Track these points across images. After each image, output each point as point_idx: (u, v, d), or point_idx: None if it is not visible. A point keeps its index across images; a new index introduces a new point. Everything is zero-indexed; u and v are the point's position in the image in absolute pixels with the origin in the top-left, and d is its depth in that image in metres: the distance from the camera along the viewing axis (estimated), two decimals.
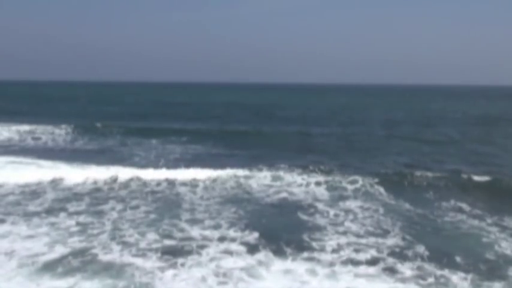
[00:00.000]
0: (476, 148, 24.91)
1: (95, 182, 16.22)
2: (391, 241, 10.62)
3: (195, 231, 11.10)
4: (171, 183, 16.12)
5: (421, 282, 8.56)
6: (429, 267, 9.20)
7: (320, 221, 12.11)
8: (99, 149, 24.51)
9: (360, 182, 15.79)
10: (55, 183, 16.04)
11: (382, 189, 14.93)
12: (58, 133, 28.51)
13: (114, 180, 16.41)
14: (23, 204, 13.37)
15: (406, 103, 75.45)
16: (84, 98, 78.69)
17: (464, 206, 13.57)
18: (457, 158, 21.84)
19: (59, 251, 9.76)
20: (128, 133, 29.03)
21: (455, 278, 8.71)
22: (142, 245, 10.21)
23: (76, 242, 10.30)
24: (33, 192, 14.74)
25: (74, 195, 14.52)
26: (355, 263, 9.35)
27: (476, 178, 16.30)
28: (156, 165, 19.59)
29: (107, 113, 45.64)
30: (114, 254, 9.61)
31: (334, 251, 10.00)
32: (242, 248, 10.04)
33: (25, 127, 30.86)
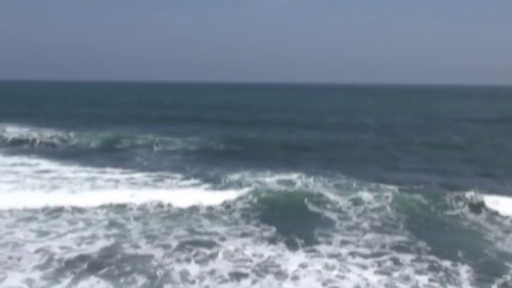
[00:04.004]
0: (477, 150, 25.25)
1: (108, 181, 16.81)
2: (397, 236, 11.36)
3: (213, 227, 11.82)
4: (178, 183, 16.64)
5: (427, 276, 9.19)
6: (435, 261, 9.87)
7: (330, 215, 12.90)
8: (97, 151, 24.74)
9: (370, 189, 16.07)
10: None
11: (387, 193, 15.01)
12: (52, 135, 28.32)
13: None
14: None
15: (407, 104, 75.39)
16: (84, 99, 78.79)
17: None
18: (459, 160, 21.97)
19: (87, 247, 10.40)
20: (126, 133, 29.03)
21: (461, 272, 9.37)
22: (164, 239, 10.91)
23: (109, 237, 11.05)
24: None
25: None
26: (365, 256, 10.10)
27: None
28: (158, 167, 19.76)
29: (106, 114, 45.87)
30: (139, 249, 10.32)
31: (343, 245, 10.76)
32: (259, 243, 10.75)
33: (25, 128, 30.98)
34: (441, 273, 9.26)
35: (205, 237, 11.10)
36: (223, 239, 11.01)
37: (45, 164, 20.05)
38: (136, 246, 10.47)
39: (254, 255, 9.98)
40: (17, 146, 25.58)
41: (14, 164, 19.71)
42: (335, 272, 9.25)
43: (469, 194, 14.33)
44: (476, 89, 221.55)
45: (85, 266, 9.38)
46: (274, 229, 11.71)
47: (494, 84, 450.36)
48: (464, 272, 9.36)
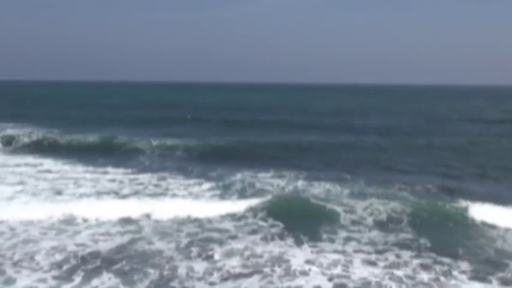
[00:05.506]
0: (480, 151, 25.70)
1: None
2: (401, 234, 12.05)
3: (223, 225, 12.47)
4: (182, 183, 17.06)
5: (430, 272, 9.73)
6: (436, 258, 10.43)
7: (335, 213, 13.36)
8: (98, 151, 24.73)
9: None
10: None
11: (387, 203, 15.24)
12: (53, 135, 28.58)
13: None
14: None
15: (409, 104, 75.44)
16: (84, 99, 79.05)
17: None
18: (461, 162, 22.40)
19: (101, 244, 10.93)
20: (126, 133, 29.33)
21: (461, 268, 9.94)
22: (176, 236, 11.52)
23: (122, 234, 11.68)
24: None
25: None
26: (369, 252, 10.71)
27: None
28: (160, 167, 20.09)
29: (106, 114, 46.28)
30: (151, 246, 10.86)
31: (348, 241, 11.43)
32: (267, 240, 11.36)
33: (26, 129, 31.31)
34: (443, 270, 9.78)
35: (216, 235, 11.69)
36: (232, 236, 11.60)
37: (47, 164, 20.43)
38: (149, 243, 11.03)
39: (263, 251, 10.54)
40: (19, 146, 26.10)
41: (18, 165, 20.15)
42: (341, 268, 9.77)
43: (470, 195, 14.88)
44: (478, 89, 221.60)
45: (98, 262, 9.90)
46: (281, 226, 12.35)
47: (496, 85, 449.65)
48: (464, 268, 9.88)
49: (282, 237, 11.55)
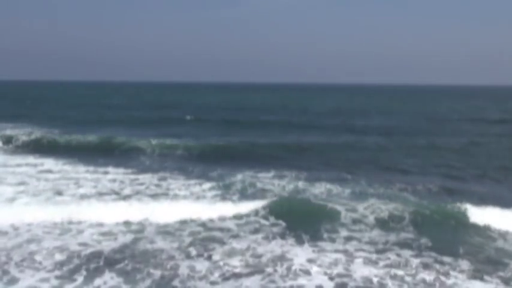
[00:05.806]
0: (481, 152, 25.74)
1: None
2: (402, 233, 12.19)
3: (225, 224, 12.63)
4: (183, 183, 17.17)
5: (432, 271, 9.84)
6: (437, 257, 10.57)
7: (338, 207, 13.54)
8: (98, 151, 24.68)
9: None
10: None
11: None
12: (53, 135, 28.66)
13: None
14: None
15: (409, 104, 75.61)
16: (84, 99, 79.20)
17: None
18: (462, 162, 22.48)
19: (104, 244, 11.05)
20: (126, 133, 29.43)
21: (461, 267, 10.06)
22: (179, 236, 11.67)
23: (125, 233, 11.82)
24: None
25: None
26: (370, 252, 10.83)
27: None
28: (160, 167, 20.17)
29: (106, 114, 46.39)
30: (154, 245, 11.00)
31: (349, 240, 11.58)
32: (269, 239, 11.50)
33: (26, 129, 31.41)
34: (443, 269, 9.89)
35: (217, 234, 11.79)
36: (234, 236, 11.71)
37: (48, 164, 20.46)
38: (151, 243, 11.12)
39: (265, 251, 10.66)
40: (19, 146, 26.17)
41: (19, 165, 20.21)
42: (342, 267, 9.88)
43: (471, 195, 14.97)
44: (478, 89, 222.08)
45: (101, 262, 9.99)
46: (283, 225, 12.48)
47: (496, 85, 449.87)
48: (465, 268, 9.99)
49: (283, 236, 11.69)
